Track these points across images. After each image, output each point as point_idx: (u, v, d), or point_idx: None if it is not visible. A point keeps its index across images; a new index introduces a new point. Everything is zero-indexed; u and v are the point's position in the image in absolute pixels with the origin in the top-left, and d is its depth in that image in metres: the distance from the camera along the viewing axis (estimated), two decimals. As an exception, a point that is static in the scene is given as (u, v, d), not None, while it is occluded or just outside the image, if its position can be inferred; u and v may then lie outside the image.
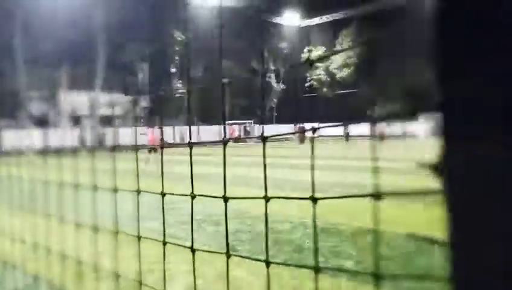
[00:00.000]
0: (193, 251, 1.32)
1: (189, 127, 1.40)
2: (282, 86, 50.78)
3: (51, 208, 2.45)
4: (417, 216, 6.63)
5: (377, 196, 0.99)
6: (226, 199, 1.13)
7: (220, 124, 40.08)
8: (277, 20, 51.24)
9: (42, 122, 34.69)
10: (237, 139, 39.56)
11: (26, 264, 3.46)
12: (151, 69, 40.84)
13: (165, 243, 1.42)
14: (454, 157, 0.48)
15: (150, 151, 16.69)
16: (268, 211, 4.62)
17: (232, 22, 40.36)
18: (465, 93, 0.46)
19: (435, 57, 0.48)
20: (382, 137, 28.26)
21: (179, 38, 41.48)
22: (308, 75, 52.52)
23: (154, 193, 1.51)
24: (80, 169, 2.00)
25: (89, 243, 1.84)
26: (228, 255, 1.14)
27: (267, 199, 1.18)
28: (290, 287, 3.93)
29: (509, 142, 0.42)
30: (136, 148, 1.60)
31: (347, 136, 32.17)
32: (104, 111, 37.32)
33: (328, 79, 50.46)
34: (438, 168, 0.53)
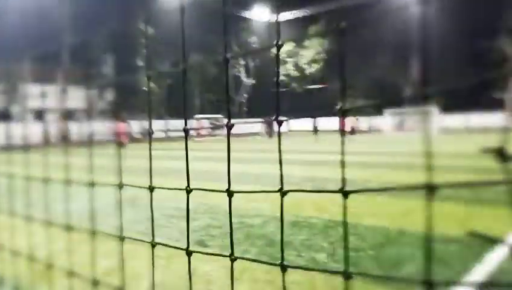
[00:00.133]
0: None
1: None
2: (252, 81, 50.69)
3: (16, 205, 2.29)
4: (387, 208, 6.73)
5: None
6: (230, 194, 1.07)
7: (190, 119, 39.62)
8: (247, 14, 51.06)
9: (4, 116, 33.27)
10: (200, 135, 39.19)
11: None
12: (117, 62, 39.87)
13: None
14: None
15: (119, 145, 16.31)
16: (240, 206, 4.61)
17: (202, 16, 39.90)
18: None
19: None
20: (353, 131, 28.65)
21: (146, 31, 40.63)
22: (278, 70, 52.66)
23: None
24: (45, 165, 1.86)
25: (53, 240, 1.72)
26: (233, 258, 1.07)
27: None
28: (263, 282, 3.88)
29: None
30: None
31: (316, 130, 32.48)
32: (69, 105, 36.15)
33: (298, 74, 50.77)
34: (503, 154, 0.48)
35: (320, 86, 47.98)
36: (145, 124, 37.82)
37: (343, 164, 0.99)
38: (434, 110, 37.21)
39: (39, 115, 35.12)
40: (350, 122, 31.40)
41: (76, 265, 1.79)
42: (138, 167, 8.61)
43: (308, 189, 8.71)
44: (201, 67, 43.12)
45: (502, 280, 3.72)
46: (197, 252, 1.13)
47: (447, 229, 5.40)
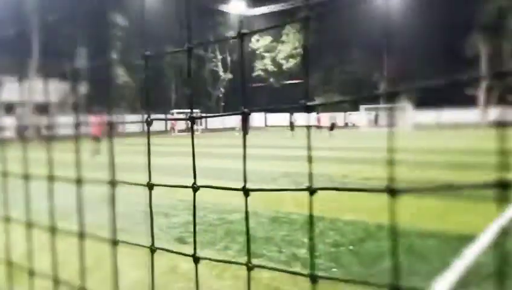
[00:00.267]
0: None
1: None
2: (229, 76, 50.44)
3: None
4: (366, 203, 6.79)
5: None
6: (246, 192, 1.01)
7: (165, 113, 39.14)
8: (224, 8, 50.67)
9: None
10: (172, 129, 38.69)
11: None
12: (90, 54, 38.93)
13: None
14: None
15: (95, 140, 15.96)
16: (219, 201, 4.51)
17: (178, 9, 39.36)
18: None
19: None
20: (332, 127, 28.82)
21: (120, 23, 39.79)
22: (255, 65, 52.55)
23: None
24: (17, 160, 1.76)
25: (23, 239, 1.62)
26: (251, 267, 1.01)
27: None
28: (246, 279, 3.84)
29: None
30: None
31: (292, 126, 32.59)
32: (40, 98, 35.11)
33: (275, 69, 50.81)
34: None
35: (297, 81, 48.16)
36: (120, 117, 37.13)
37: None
38: (408, 107, 37.91)
39: (9, 108, 34.00)
40: (329, 118, 31.67)
41: (58, 265, 1.70)
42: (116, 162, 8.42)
43: (288, 185, 8.69)
44: (177, 61, 42.58)
45: (480, 274, 3.80)
46: (204, 259, 1.07)
47: (425, 223, 5.49)
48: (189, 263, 4.59)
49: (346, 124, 45.21)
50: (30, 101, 34.63)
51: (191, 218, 6.15)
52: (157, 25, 36.94)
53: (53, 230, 1.22)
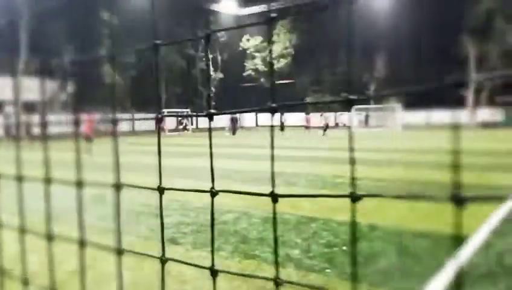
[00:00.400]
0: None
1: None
2: (220, 75, 50.31)
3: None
4: (358, 203, 6.79)
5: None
6: (274, 198, 0.95)
7: (155, 112, 38.84)
8: (215, 7, 50.52)
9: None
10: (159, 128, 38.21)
11: None
12: (78, 52, 38.48)
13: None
14: None
15: (87, 140, 15.79)
16: (210, 201, 4.33)
17: (170, 7, 39.14)
18: None
19: None
20: (326, 127, 28.79)
21: (109, 21, 39.42)
22: (246, 64, 52.48)
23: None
24: (8, 160, 1.70)
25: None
26: (279, 282, 0.96)
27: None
28: (239, 280, 3.81)
29: None
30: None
31: (282, 126, 32.61)
32: (28, 96, 34.60)
33: (266, 69, 50.81)
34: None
35: (288, 81, 48.20)
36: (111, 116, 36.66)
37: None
38: (397, 107, 38.18)
39: (-2, 107, 33.48)
40: (323, 118, 31.68)
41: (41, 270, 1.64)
42: (106, 162, 8.31)
43: (279, 185, 8.65)
44: (167, 59, 42.34)
45: (473, 274, 3.80)
46: (223, 271, 1.02)
47: (416, 224, 5.50)
48: (179, 264, 4.53)
49: (336, 124, 45.36)
50: (18, 100, 34.08)
51: (182, 218, 6.09)
52: (146, 23, 36.69)
53: (49, 237, 1.16)
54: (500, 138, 23.20)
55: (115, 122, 1.09)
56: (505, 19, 33.90)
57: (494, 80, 34.93)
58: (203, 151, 17.55)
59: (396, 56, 44.12)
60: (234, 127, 34.20)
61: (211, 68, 49.73)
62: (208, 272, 3.55)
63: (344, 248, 4.62)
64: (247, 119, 54.54)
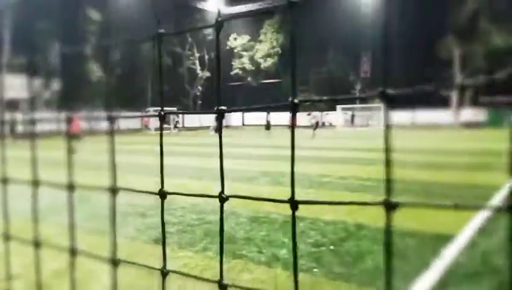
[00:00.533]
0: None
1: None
2: (207, 74, 50.09)
3: None
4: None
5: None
6: (294, 204, 0.91)
7: (141, 111, 38.54)
8: (202, 5, 50.27)
9: None
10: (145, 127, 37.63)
11: None
12: (64, 49, 37.86)
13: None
14: None
15: (74, 138, 15.58)
16: (197, 202, 4.39)
17: (156, 5, 38.80)
18: None
19: None
20: (316, 126, 28.74)
21: (95, 18, 38.93)
22: (233, 63, 52.36)
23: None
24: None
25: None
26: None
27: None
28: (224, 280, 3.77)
29: None
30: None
31: (268, 125, 32.58)
32: (11, 94, 33.96)
33: (253, 68, 50.75)
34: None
35: (275, 80, 48.26)
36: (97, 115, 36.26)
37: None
38: (382, 107, 38.49)
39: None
40: (313, 117, 31.69)
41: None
42: (94, 161, 8.21)
43: (267, 185, 8.63)
44: (153, 57, 41.98)
45: (458, 273, 3.83)
46: (233, 286, 0.98)
47: (402, 223, 5.53)
48: (168, 266, 4.46)
49: (323, 124, 45.61)
50: (2, 98, 33.37)
51: (168, 218, 6.02)
52: (132, 20, 36.32)
53: (37, 244, 1.11)
54: (482, 137, 23.58)
55: (111, 119, 1.03)
56: (490, 19, 34.44)
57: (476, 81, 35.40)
58: (191, 150, 17.49)
59: (382, 56, 44.38)
60: (220, 125, 34.02)
61: (198, 67, 49.51)
62: (194, 272, 3.49)
63: (331, 247, 4.62)
64: (234, 118, 54.43)
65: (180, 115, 45.81)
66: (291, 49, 0.78)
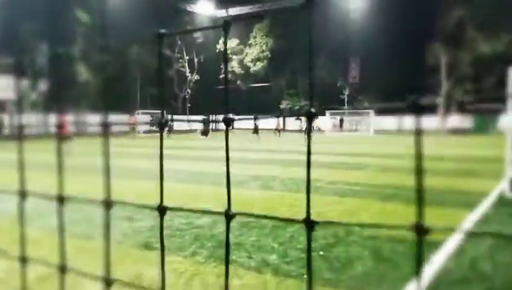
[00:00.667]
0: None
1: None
2: (196, 77, 49.96)
3: None
4: (334, 207, 6.82)
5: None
6: (310, 225, 0.87)
7: (130, 114, 38.25)
8: (191, 8, 50.19)
9: None
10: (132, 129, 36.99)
11: None
12: (51, 51, 37.44)
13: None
14: None
15: (66, 140, 15.37)
16: (186, 206, 4.37)
17: (144, 7, 38.65)
18: None
19: None
20: (309, 131, 28.74)
21: (83, 19, 38.58)
22: (222, 67, 52.34)
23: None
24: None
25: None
26: None
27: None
28: (215, 286, 3.74)
29: None
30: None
31: (256, 129, 32.55)
32: (-2, 95, 33.44)
33: (242, 72, 50.78)
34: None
35: (264, 84, 48.36)
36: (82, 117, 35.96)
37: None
38: (370, 112, 38.84)
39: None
40: (305, 122, 31.74)
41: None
42: (88, 165, 8.10)
43: (258, 188, 8.61)
44: (141, 59, 41.74)
45: (447, 280, 3.85)
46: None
47: (391, 228, 5.55)
48: (154, 270, 4.43)
49: (313, 128, 45.86)
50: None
51: (155, 222, 5.96)
52: (120, 22, 36.09)
53: (23, 259, 1.07)
54: (469, 144, 23.90)
55: (106, 127, 0.98)
56: (476, 27, 35.00)
57: (464, 88, 35.99)
58: (181, 153, 17.39)
59: (370, 62, 44.89)
60: (206, 129, 33.85)
61: (187, 70, 49.37)
62: (183, 277, 3.46)
63: (321, 253, 4.61)
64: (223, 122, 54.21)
65: (169, 118, 45.58)
66: (309, 56, 0.76)
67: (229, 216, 0.88)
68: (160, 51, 0.97)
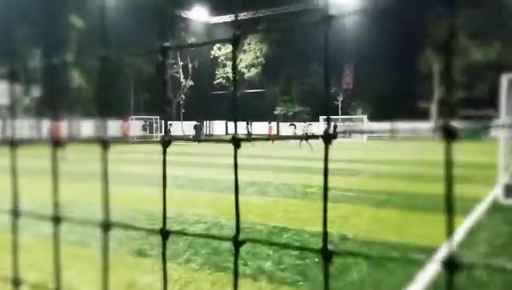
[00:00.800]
0: None
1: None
2: (190, 82, 49.97)
3: None
4: (328, 213, 6.80)
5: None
6: (327, 255, 0.80)
7: (123, 120, 38.07)
8: (186, 14, 50.28)
9: None
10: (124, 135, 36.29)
11: None
12: (44, 56, 37.28)
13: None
14: None
15: (59, 146, 15.24)
16: (181, 212, 4.34)
17: (138, 12, 38.66)
18: None
19: None
20: (306, 137, 28.67)
21: (76, 24, 38.48)
22: (216, 72, 52.41)
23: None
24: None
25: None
26: None
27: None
28: (210, 294, 3.71)
29: None
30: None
31: (249, 135, 32.54)
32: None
33: (237, 77, 50.90)
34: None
35: (258, 90, 48.47)
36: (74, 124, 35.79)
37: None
38: (363, 118, 39.06)
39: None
40: (302, 128, 31.66)
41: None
42: (84, 171, 8.03)
43: (255, 194, 8.59)
44: (135, 65, 41.67)
45: (442, 287, 3.85)
46: None
47: (385, 234, 5.56)
48: (147, 277, 4.39)
49: (306, 134, 45.96)
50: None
51: (152, 228, 5.91)
52: (114, 27, 36.04)
53: (16, 283, 1.04)
54: (461, 150, 24.06)
55: (105, 145, 0.95)
56: (469, 34, 35.39)
57: (456, 95, 36.29)
58: (175, 159, 17.33)
59: (364, 69, 45.21)
60: (198, 135, 33.73)
61: (182, 75, 49.36)
62: (177, 285, 3.43)
63: (316, 259, 4.59)
64: (216, 127, 54.30)
65: (163, 124, 45.47)
66: (325, 69, 0.73)
67: (237, 243, 0.78)
68: (164, 64, 0.95)
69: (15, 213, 1.04)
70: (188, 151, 23.04)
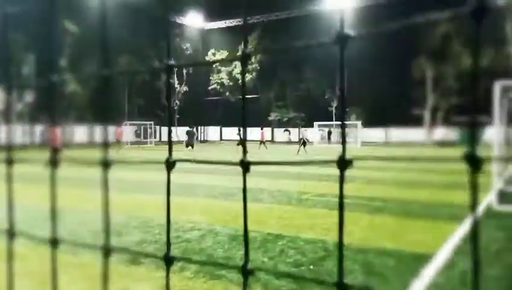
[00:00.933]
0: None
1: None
2: (185, 88, 49.94)
3: None
4: (324, 220, 6.80)
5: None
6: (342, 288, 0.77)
7: (118, 125, 37.93)
8: (181, 20, 50.33)
9: None
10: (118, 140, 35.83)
11: None
12: (38, 61, 37.14)
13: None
14: None
15: (54, 151, 15.13)
16: (174, 218, 4.29)
17: (134, 18, 38.68)
18: None
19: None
20: (305, 143, 28.56)
21: (71, 30, 38.38)
22: (211, 78, 52.41)
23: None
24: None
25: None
26: None
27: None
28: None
29: None
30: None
31: (242, 140, 32.43)
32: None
33: (231, 83, 50.92)
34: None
35: (252, 96, 48.51)
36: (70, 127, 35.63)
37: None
38: (358, 124, 39.17)
39: None
40: (300, 133, 31.53)
41: None
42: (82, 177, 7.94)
43: (248, 200, 8.56)
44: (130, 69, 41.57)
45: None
46: None
47: (381, 242, 5.55)
48: (142, 285, 4.34)
49: (300, 140, 46.04)
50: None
51: (144, 236, 5.87)
52: (110, 34, 36.00)
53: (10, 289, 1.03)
54: (454, 156, 24.14)
55: (106, 165, 0.92)
56: (462, 41, 35.69)
57: (449, 101, 36.54)
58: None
59: (358, 75, 45.39)
60: (191, 140, 33.47)
61: (176, 81, 49.32)
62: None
63: (311, 267, 4.57)
64: (211, 132, 54.22)
65: (157, 129, 45.34)
66: (341, 84, 0.69)
67: (246, 272, 0.71)
68: (168, 82, 0.94)
69: (11, 234, 1.02)
70: (181, 157, 22.93)
